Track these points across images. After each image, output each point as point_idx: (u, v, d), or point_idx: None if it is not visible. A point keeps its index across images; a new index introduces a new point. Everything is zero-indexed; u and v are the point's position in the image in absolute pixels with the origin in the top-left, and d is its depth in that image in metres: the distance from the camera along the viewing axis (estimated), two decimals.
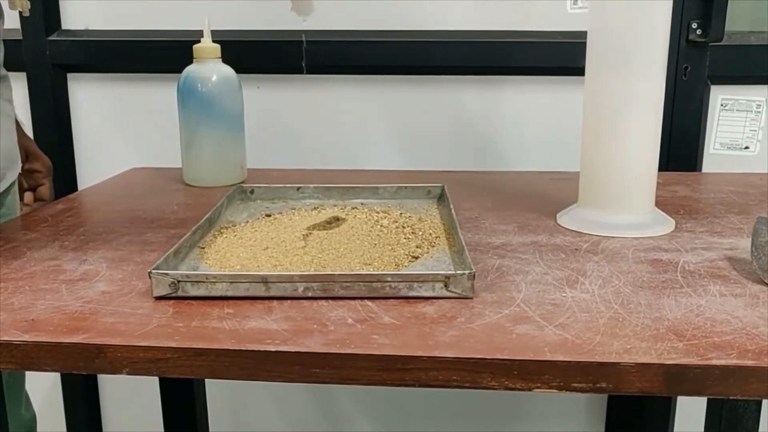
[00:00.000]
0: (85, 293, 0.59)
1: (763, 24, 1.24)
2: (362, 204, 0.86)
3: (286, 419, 1.42)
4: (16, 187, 0.90)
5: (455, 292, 0.57)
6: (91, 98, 1.26)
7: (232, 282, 0.57)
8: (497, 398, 1.35)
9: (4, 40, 0.85)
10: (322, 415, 1.41)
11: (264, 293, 0.57)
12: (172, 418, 1.19)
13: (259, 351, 0.49)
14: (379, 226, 0.75)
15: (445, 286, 0.57)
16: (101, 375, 1.34)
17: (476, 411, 1.37)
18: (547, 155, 1.22)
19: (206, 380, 1.19)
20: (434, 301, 0.57)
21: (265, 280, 0.57)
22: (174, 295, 0.57)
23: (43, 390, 1.40)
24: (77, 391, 1.39)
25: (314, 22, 1.22)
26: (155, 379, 1.22)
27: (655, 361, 0.46)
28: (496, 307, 0.55)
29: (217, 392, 1.38)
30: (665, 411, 1.28)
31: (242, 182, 1.01)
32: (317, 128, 1.26)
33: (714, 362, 0.46)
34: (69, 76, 1.25)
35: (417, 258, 0.66)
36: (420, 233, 0.73)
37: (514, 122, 1.24)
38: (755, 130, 1.21)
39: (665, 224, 0.77)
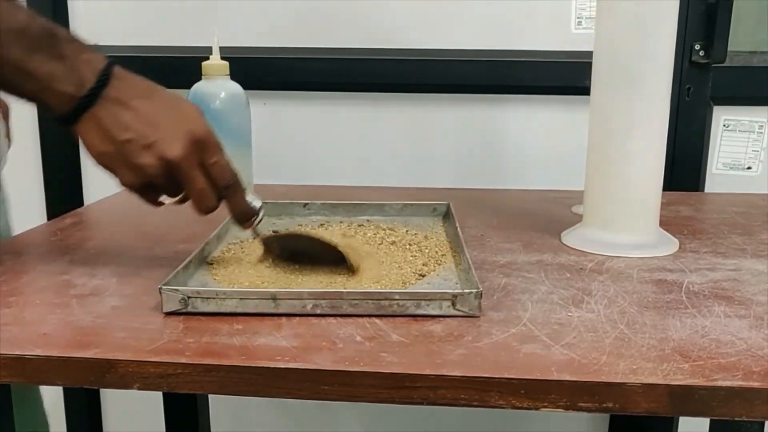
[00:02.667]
0: (96, 308, 0.60)
1: (766, 45, 1.26)
2: (368, 221, 0.86)
3: (286, 419, 1.42)
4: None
5: (462, 311, 0.57)
6: None
7: (241, 298, 0.58)
8: None
9: None
10: (322, 416, 1.41)
11: (273, 310, 0.58)
12: (173, 419, 1.20)
13: (268, 368, 0.49)
14: (386, 244, 0.76)
15: (453, 304, 0.57)
16: None
17: (480, 412, 1.36)
18: (552, 174, 1.23)
19: None
20: (441, 319, 0.57)
21: (274, 297, 0.58)
22: (184, 310, 0.58)
23: (44, 389, 1.40)
24: (78, 392, 1.39)
25: (321, 40, 1.23)
26: None
27: (661, 381, 0.47)
28: (503, 326, 0.56)
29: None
30: (669, 417, 1.28)
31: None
32: (323, 145, 1.27)
33: (719, 383, 0.46)
34: None
35: (424, 276, 0.66)
36: (426, 251, 0.73)
37: (519, 141, 1.25)
38: (757, 151, 1.22)
39: (669, 244, 0.78)
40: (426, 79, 1.23)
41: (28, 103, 0.61)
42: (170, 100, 0.63)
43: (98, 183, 1.31)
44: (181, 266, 0.63)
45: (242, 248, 0.75)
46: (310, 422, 1.41)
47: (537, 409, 0.48)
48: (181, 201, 0.65)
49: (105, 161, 0.61)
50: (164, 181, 0.62)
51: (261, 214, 0.68)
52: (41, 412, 0.95)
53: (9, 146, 0.89)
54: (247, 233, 0.80)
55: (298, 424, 1.42)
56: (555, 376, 0.48)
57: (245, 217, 0.67)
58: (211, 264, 0.70)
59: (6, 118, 0.87)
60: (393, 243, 0.76)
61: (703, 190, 1.22)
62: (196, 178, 0.62)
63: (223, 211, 0.69)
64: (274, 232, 0.81)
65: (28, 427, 0.90)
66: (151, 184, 0.62)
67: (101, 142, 0.60)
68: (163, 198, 0.65)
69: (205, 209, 0.64)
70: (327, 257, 0.68)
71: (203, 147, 0.62)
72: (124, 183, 0.62)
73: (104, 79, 0.60)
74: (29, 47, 0.58)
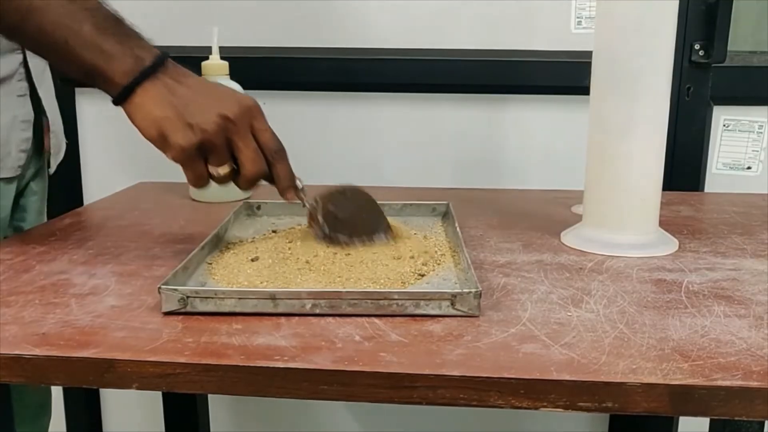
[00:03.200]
0: (95, 307, 0.60)
1: (766, 45, 1.26)
2: None
3: (286, 419, 1.42)
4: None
5: (462, 311, 0.57)
6: (98, 113, 1.27)
7: (240, 298, 0.58)
8: None
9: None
10: (322, 416, 1.42)
11: (272, 309, 0.58)
12: (173, 419, 1.20)
13: (268, 367, 0.49)
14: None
15: (452, 304, 0.57)
16: None
17: (480, 411, 1.36)
18: (551, 173, 1.23)
19: None
20: (441, 319, 0.57)
21: (273, 297, 0.58)
22: (183, 310, 0.58)
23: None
24: (78, 392, 1.38)
25: (321, 40, 1.23)
26: None
27: (661, 381, 0.47)
28: (503, 326, 0.56)
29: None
30: (669, 417, 1.28)
31: (249, 198, 1.01)
32: (324, 144, 1.27)
33: (719, 383, 0.46)
34: (76, 90, 1.26)
35: (423, 275, 0.66)
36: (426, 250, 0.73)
37: (518, 140, 1.24)
38: (757, 151, 1.22)
39: (669, 244, 0.78)
40: (426, 79, 1.23)
41: (85, 78, 0.65)
42: (217, 83, 0.69)
43: (98, 183, 1.31)
44: (180, 266, 0.63)
45: (241, 248, 0.74)
46: (310, 422, 1.41)
47: (536, 408, 0.48)
48: (226, 176, 0.67)
49: (162, 124, 0.63)
50: (218, 143, 0.64)
51: (303, 186, 0.71)
52: (47, 406, 0.97)
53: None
54: (248, 233, 0.80)
55: (297, 424, 1.42)
56: (554, 376, 0.48)
57: (292, 182, 0.70)
58: (211, 264, 0.70)
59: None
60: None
61: (702, 190, 1.22)
62: (249, 138, 0.66)
63: (223, 212, 0.69)
64: (273, 231, 0.81)
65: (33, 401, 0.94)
66: (204, 146, 0.64)
67: (159, 108, 0.63)
68: (212, 170, 0.66)
69: (255, 173, 0.67)
70: (369, 224, 0.72)
71: (254, 114, 0.66)
72: (177, 145, 0.63)
73: (162, 59, 0.65)
74: (99, 26, 0.64)
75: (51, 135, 0.91)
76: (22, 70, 0.84)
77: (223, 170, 0.66)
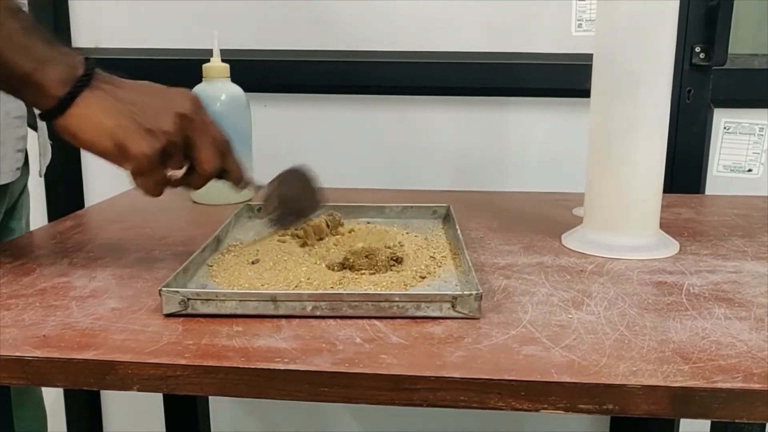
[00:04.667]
0: (95, 310, 0.60)
1: (766, 48, 1.26)
2: (368, 223, 0.86)
3: (286, 419, 1.41)
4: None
5: (462, 313, 0.57)
6: None
7: (241, 300, 0.58)
8: None
9: None
10: (322, 417, 1.41)
11: (273, 312, 0.58)
12: (173, 419, 1.20)
13: (268, 369, 0.49)
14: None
15: (453, 306, 0.57)
16: None
17: (480, 412, 1.36)
18: (552, 176, 1.23)
19: None
20: (441, 321, 0.57)
21: (273, 299, 0.58)
22: (183, 312, 0.58)
23: (44, 389, 1.40)
24: (79, 393, 1.39)
25: (321, 43, 1.24)
26: None
27: (661, 383, 0.47)
28: (503, 328, 0.56)
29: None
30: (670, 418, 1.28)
31: (249, 200, 1.01)
32: (324, 147, 1.27)
33: (720, 385, 0.46)
34: None
35: (424, 278, 0.66)
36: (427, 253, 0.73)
37: (519, 143, 1.25)
38: (758, 153, 1.22)
39: (670, 246, 0.78)
40: (427, 82, 1.23)
41: (16, 89, 0.58)
42: (148, 82, 0.63)
43: (98, 185, 1.32)
44: (180, 268, 0.63)
45: (242, 250, 0.74)
46: (310, 423, 1.41)
47: (537, 410, 0.48)
48: (183, 178, 0.65)
49: (117, 134, 0.58)
50: (178, 143, 0.61)
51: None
52: (41, 409, 0.96)
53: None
54: (248, 235, 0.81)
55: (297, 424, 1.41)
56: (555, 378, 0.48)
57: (242, 174, 0.68)
58: (211, 266, 0.70)
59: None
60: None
61: (703, 193, 1.22)
62: (205, 134, 0.62)
63: (224, 214, 0.69)
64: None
65: (28, 424, 0.91)
66: (167, 150, 0.60)
67: (110, 117, 0.58)
68: (170, 174, 0.63)
69: (213, 169, 0.64)
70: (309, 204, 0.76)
71: (200, 106, 0.63)
72: (139, 154, 0.59)
73: (92, 65, 0.60)
74: (25, 27, 0.57)
75: (38, 133, 0.86)
76: None
77: (182, 172, 0.63)
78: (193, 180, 0.65)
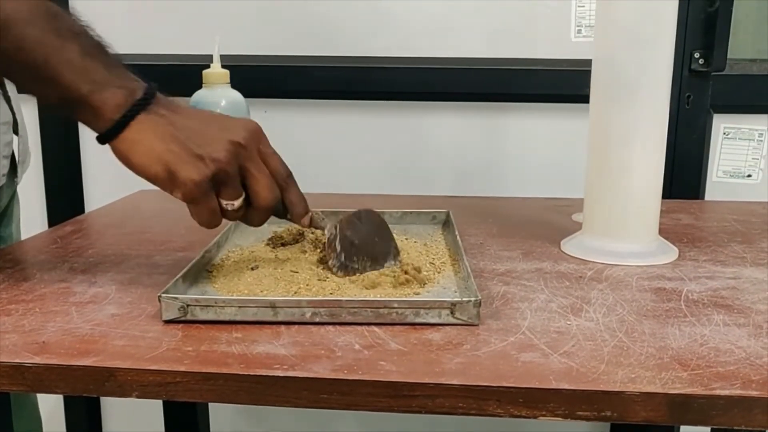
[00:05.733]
0: (95, 316, 0.60)
1: (765, 53, 1.26)
2: None
3: (285, 421, 1.41)
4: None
5: (461, 319, 0.57)
6: None
7: (240, 306, 0.58)
8: None
9: None
10: (321, 418, 1.41)
11: (272, 318, 0.58)
12: (173, 422, 1.20)
13: (267, 376, 0.49)
14: None
15: (452, 313, 0.57)
16: None
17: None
18: (552, 182, 1.23)
19: None
20: (440, 327, 0.57)
21: (273, 305, 0.58)
22: (183, 318, 0.58)
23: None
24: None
25: (322, 48, 1.24)
26: None
27: (660, 390, 0.47)
28: (502, 335, 0.56)
29: None
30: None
31: None
32: (324, 153, 1.28)
33: (718, 392, 0.46)
34: None
35: (423, 284, 0.66)
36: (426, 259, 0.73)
37: (519, 148, 1.25)
38: (757, 159, 1.22)
39: (669, 252, 0.78)
40: (427, 87, 1.23)
41: (62, 105, 0.58)
42: (211, 111, 0.63)
43: (99, 191, 1.32)
44: (180, 274, 0.63)
45: (242, 256, 0.75)
46: (309, 424, 1.41)
47: (535, 417, 0.48)
48: (240, 208, 0.61)
49: (168, 159, 0.57)
50: (232, 172, 0.59)
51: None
52: (36, 414, 0.96)
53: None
54: (248, 241, 0.81)
55: (296, 425, 1.41)
56: (553, 385, 0.48)
57: (305, 209, 0.66)
58: (211, 272, 0.70)
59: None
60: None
61: (703, 198, 1.22)
62: (261, 164, 0.61)
63: (224, 220, 0.68)
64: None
65: (23, 428, 0.91)
66: (218, 177, 0.58)
67: (161, 142, 0.57)
68: (225, 204, 0.61)
69: (270, 202, 0.61)
70: (381, 249, 0.70)
71: (260, 138, 0.62)
72: (188, 180, 0.57)
73: (152, 91, 0.60)
74: (86, 51, 0.57)
75: (20, 140, 0.84)
76: None
77: (239, 203, 0.61)
78: (251, 213, 0.63)
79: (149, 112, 0.58)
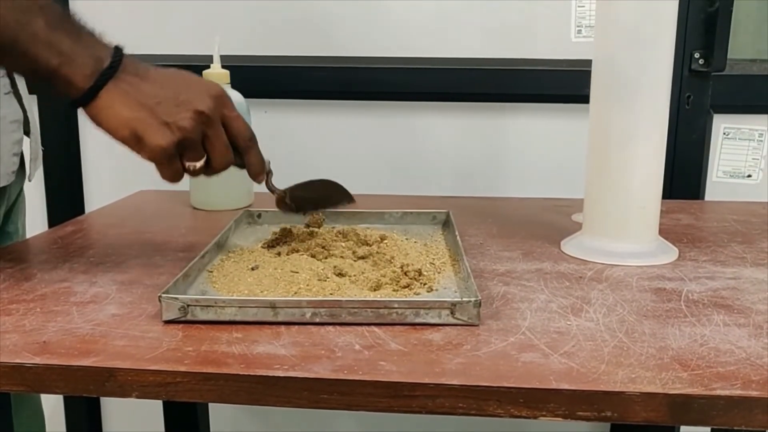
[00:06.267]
0: (96, 316, 0.60)
1: (765, 53, 1.26)
2: (368, 229, 0.86)
3: (285, 421, 1.41)
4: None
5: (461, 320, 0.57)
6: None
7: (240, 307, 0.58)
8: None
9: None
10: (321, 418, 1.41)
11: (272, 318, 0.58)
12: (173, 421, 1.20)
13: (267, 376, 0.49)
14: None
15: (452, 313, 0.57)
16: None
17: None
18: (552, 182, 1.23)
19: None
20: (440, 327, 0.57)
21: (273, 306, 0.58)
22: (183, 319, 0.58)
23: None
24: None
25: (322, 49, 1.24)
26: None
27: (660, 390, 0.47)
28: (502, 335, 0.56)
29: None
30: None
31: (249, 206, 1.02)
32: (324, 153, 1.28)
33: (718, 392, 0.46)
34: None
35: (424, 284, 0.66)
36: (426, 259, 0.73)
37: (519, 149, 1.25)
38: (757, 159, 1.22)
39: (669, 253, 0.78)
40: (427, 88, 1.23)
41: (35, 77, 0.61)
42: (177, 70, 0.66)
43: (99, 191, 1.32)
44: (180, 274, 0.63)
45: (242, 257, 0.75)
46: (309, 424, 1.41)
47: (535, 417, 0.48)
48: (201, 168, 0.66)
49: (136, 126, 0.61)
50: (196, 138, 0.63)
51: (271, 168, 0.73)
52: (39, 413, 0.96)
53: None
54: (248, 241, 0.81)
55: (296, 425, 1.41)
56: (553, 385, 0.48)
57: (262, 169, 0.70)
58: (211, 272, 0.70)
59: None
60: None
61: (703, 198, 1.22)
62: (220, 130, 0.65)
63: (224, 220, 0.69)
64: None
65: (26, 427, 0.91)
66: (182, 143, 0.63)
67: (130, 109, 0.61)
68: (187, 164, 0.65)
69: (225, 164, 0.67)
70: (334, 198, 0.78)
71: (224, 102, 0.65)
72: (155, 145, 0.62)
73: (119, 56, 0.62)
74: (52, 24, 0.59)
75: (31, 138, 0.86)
76: None
77: (200, 164, 0.65)
78: (209, 171, 0.67)
79: (117, 79, 0.61)
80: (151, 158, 0.63)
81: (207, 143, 0.65)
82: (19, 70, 0.64)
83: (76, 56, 0.60)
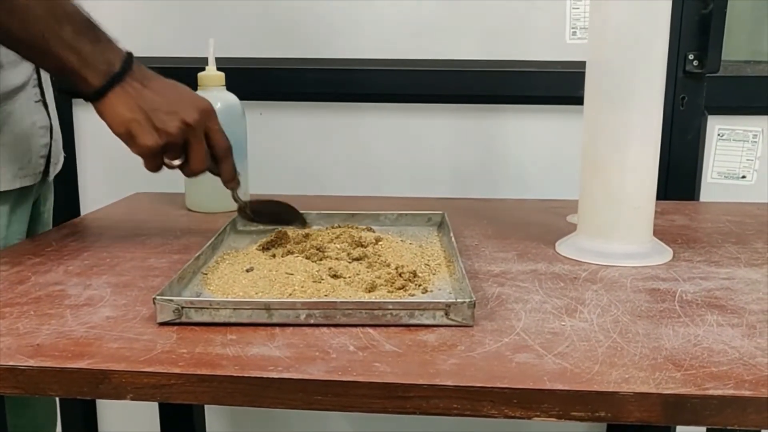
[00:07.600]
0: (90, 318, 0.60)
1: (759, 55, 1.27)
2: (363, 230, 0.86)
3: (282, 421, 1.41)
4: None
5: (456, 321, 0.57)
6: (95, 124, 1.27)
7: (235, 309, 0.58)
8: None
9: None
10: (316, 419, 1.41)
11: (267, 320, 0.58)
12: (169, 421, 1.20)
13: (262, 378, 0.49)
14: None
15: (446, 314, 0.57)
16: None
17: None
18: (546, 183, 1.24)
19: None
20: (435, 329, 0.57)
21: (267, 307, 0.58)
22: (178, 321, 0.58)
23: None
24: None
25: (317, 51, 1.24)
26: None
27: (654, 390, 0.47)
28: (496, 336, 0.56)
29: None
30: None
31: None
32: (319, 155, 1.28)
33: (711, 392, 0.47)
34: (74, 101, 1.26)
35: (419, 285, 0.66)
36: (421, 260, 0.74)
37: (514, 150, 1.25)
38: (752, 160, 1.23)
39: (663, 253, 0.78)
40: (422, 89, 1.23)
41: (58, 72, 0.72)
42: (175, 83, 0.77)
43: (94, 194, 1.31)
44: (175, 276, 0.63)
45: (237, 259, 0.75)
46: (305, 424, 1.41)
47: (529, 418, 0.48)
48: (180, 166, 0.77)
49: (131, 126, 0.72)
50: (178, 143, 0.74)
51: (240, 181, 0.83)
52: (53, 407, 1.00)
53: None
54: (243, 243, 0.81)
55: (292, 425, 1.41)
56: (548, 386, 0.48)
57: (233, 177, 0.81)
58: (206, 274, 0.70)
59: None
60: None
61: (697, 199, 1.23)
62: (201, 140, 0.76)
63: (218, 222, 0.68)
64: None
65: (41, 423, 0.96)
66: (166, 146, 0.74)
67: (130, 111, 0.72)
68: (167, 161, 0.76)
69: (200, 169, 0.78)
70: (287, 217, 0.87)
71: (209, 116, 0.77)
72: (144, 145, 0.73)
73: (129, 62, 0.73)
74: (76, 29, 0.70)
75: (53, 142, 0.93)
76: (35, 75, 0.88)
77: (177, 163, 0.77)
78: (186, 171, 0.78)
79: (124, 83, 0.72)
80: (138, 153, 0.74)
81: (189, 148, 0.76)
82: (46, 66, 0.75)
83: (93, 60, 0.71)
